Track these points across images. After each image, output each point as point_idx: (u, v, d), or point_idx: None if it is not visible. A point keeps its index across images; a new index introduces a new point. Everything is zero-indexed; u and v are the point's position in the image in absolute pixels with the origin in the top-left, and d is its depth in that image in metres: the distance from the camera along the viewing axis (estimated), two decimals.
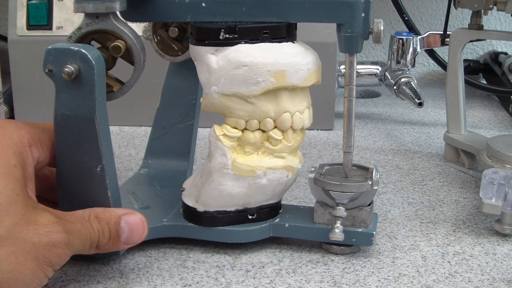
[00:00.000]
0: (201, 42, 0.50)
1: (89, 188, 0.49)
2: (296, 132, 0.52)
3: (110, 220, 0.47)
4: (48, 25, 0.88)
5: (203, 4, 0.50)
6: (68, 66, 0.45)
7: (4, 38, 1.14)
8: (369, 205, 0.53)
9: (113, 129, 0.88)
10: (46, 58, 0.46)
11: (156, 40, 0.58)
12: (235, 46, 0.49)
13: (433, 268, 0.52)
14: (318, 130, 0.86)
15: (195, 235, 0.54)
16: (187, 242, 0.55)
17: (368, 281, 0.50)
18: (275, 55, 0.49)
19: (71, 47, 0.45)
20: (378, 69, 0.99)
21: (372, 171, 0.54)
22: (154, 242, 0.54)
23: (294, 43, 0.51)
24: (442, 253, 0.54)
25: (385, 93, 1.12)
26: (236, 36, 0.49)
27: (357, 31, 0.49)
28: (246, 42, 0.49)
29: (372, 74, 1.00)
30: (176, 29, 0.57)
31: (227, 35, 0.49)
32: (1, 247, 0.41)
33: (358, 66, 0.98)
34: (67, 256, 0.45)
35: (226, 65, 0.49)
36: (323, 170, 0.55)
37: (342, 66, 0.96)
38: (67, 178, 0.49)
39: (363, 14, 0.49)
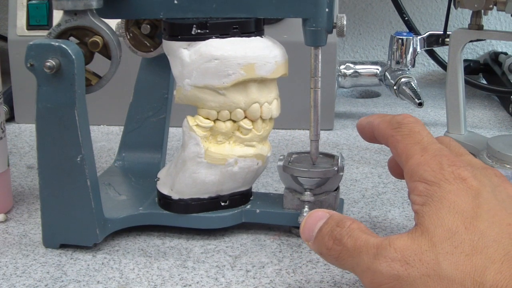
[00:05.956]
0: (174, 37, 0.52)
1: (69, 177, 0.51)
2: (265, 122, 0.55)
3: None
4: (48, 25, 0.88)
5: (175, 2, 0.52)
6: (50, 60, 0.47)
7: (4, 38, 1.14)
8: (335, 190, 0.56)
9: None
10: (28, 54, 0.48)
11: (128, 36, 0.59)
12: (207, 41, 0.51)
13: None
14: None
15: (170, 222, 0.56)
16: (187, 242, 0.55)
17: None
18: (244, 49, 0.51)
19: (52, 43, 0.47)
20: (378, 69, 0.98)
21: (338, 159, 0.57)
22: (153, 241, 0.55)
23: (262, 37, 0.53)
24: None
25: (385, 93, 1.11)
26: (207, 31, 0.51)
27: (322, 25, 0.51)
28: (217, 37, 0.51)
29: (372, 74, 0.98)
30: (148, 26, 0.59)
31: (198, 31, 0.51)
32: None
33: (358, 66, 0.98)
34: None
35: (198, 58, 0.51)
36: (291, 158, 0.57)
37: (342, 66, 0.97)
38: (48, 168, 0.51)
39: (327, 9, 0.51)
